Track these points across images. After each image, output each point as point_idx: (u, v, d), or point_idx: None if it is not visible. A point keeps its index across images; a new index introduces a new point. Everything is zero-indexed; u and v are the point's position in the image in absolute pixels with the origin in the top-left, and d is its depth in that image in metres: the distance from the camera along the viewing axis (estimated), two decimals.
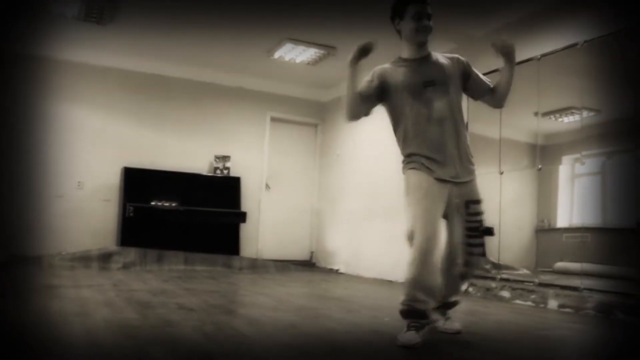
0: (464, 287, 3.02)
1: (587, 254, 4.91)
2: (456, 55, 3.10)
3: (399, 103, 2.94)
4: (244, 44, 7.01)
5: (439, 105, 2.89)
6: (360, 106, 2.97)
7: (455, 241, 2.91)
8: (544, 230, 5.48)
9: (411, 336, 2.67)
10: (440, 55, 3.05)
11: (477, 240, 2.93)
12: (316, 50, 6.96)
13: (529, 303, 4.85)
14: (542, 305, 4.73)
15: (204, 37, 6.82)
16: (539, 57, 5.24)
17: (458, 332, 3.01)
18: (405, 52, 3.02)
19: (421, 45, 2.96)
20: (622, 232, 4.59)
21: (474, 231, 2.91)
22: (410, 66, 2.96)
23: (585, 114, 5.08)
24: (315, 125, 9.21)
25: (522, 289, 5.04)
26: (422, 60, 2.97)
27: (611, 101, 4.84)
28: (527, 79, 5.33)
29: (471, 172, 2.97)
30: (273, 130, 8.83)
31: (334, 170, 8.75)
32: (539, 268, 5.11)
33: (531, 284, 4.98)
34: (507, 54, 2.95)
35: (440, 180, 2.85)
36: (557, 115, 5.42)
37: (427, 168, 2.85)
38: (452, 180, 2.87)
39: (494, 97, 3.08)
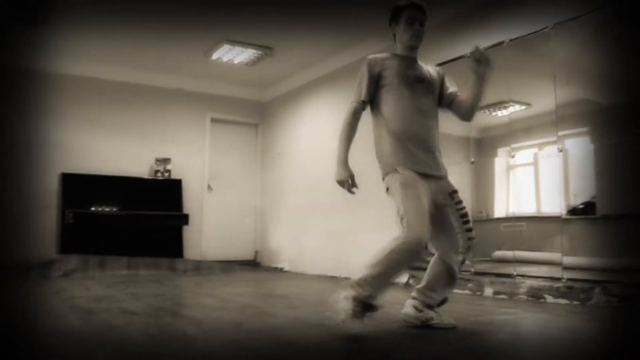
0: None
1: (522, 242, 5.14)
2: (437, 68, 3.31)
3: (391, 90, 3.05)
4: (181, 45, 6.99)
5: (426, 101, 3.09)
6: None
7: (455, 232, 3.03)
8: (483, 221, 5.70)
9: (355, 323, 2.77)
10: (424, 63, 3.22)
11: (471, 225, 3.07)
12: (254, 50, 7.01)
13: (467, 291, 5.05)
14: (479, 293, 4.93)
15: (140, 38, 6.77)
16: (468, 54, 5.43)
17: (453, 327, 3.03)
18: (399, 51, 3.17)
19: (412, 48, 3.12)
20: (552, 220, 4.83)
21: (466, 217, 3.06)
22: (404, 61, 3.11)
23: (515, 107, 5.32)
24: (256, 125, 9.24)
25: (460, 278, 5.22)
26: (413, 60, 3.14)
27: (540, 95, 5.08)
28: (459, 74, 5.52)
29: (444, 167, 3.14)
30: (213, 131, 8.82)
31: (275, 169, 8.82)
32: (479, 257, 5.31)
33: (468, 273, 5.18)
34: (484, 69, 3.12)
35: (423, 175, 2.98)
36: (491, 109, 5.64)
37: (412, 164, 2.97)
38: (433, 174, 3.02)
39: (462, 108, 3.24)
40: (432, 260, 3.11)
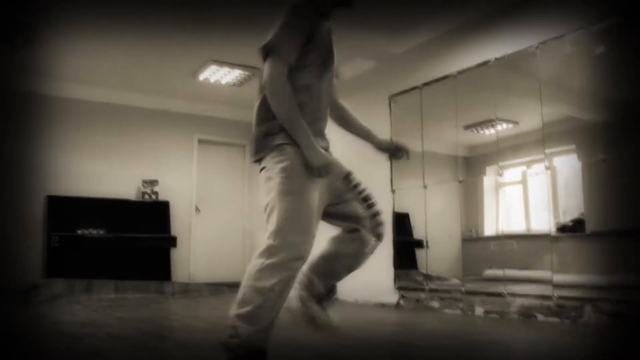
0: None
1: (512, 260, 5.13)
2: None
3: (309, 60, 2.40)
4: (168, 66, 6.97)
5: (330, 75, 2.47)
6: None
7: (361, 216, 2.47)
8: (472, 240, 5.69)
9: None
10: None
11: (377, 207, 2.52)
12: (241, 71, 7.00)
13: (457, 311, 5.02)
14: (470, 313, 4.90)
15: (127, 59, 6.74)
16: (455, 73, 5.47)
17: (338, 327, 2.50)
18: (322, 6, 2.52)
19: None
20: (542, 238, 4.82)
21: (369, 199, 2.51)
22: (326, 28, 2.49)
23: (503, 126, 5.35)
24: (244, 146, 9.21)
25: (451, 298, 5.21)
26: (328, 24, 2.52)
27: (527, 113, 5.11)
28: (446, 94, 5.57)
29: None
30: (201, 152, 8.78)
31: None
32: (469, 276, 5.29)
33: (458, 292, 5.15)
34: (397, 158, 2.78)
35: None
36: (479, 127, 5.66)
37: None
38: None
39: (339, 114, 2.76)
40: (332, 238, 2.53)
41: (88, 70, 7.11)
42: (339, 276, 2.55)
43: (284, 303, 2.21)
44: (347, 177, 2.50)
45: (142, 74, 7.27)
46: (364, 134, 2.77)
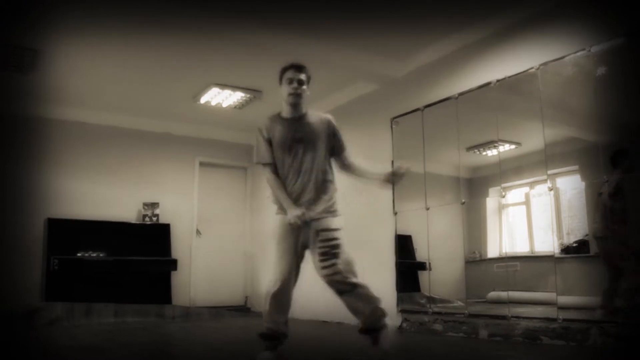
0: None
1: (516, 282, 5.08)
2: (328, 117, 3.50)
3: (276, 155, 3.40)
4: (169, 89, 6.99)
5: (306, 159, 3.35)
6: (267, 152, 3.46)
7: (316, 267, 3.36)
8: (476, 262, 5.64)
9: (266, 355, 3.30)
10: (315, 114, 3.47)
11: (328, 263, 3.28)
12: (242, 94, 7.02)
13: (461, 334, 4.95)
14: (474, 336, 4.84)
15: (128, 82, 6.76)
16: (456, 95, 5.48)
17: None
18: (284, 111, 3.46)
19: (294, 106, 3.38)
20: (546, 259, 4.78)
21: (325, 255, 3.29)
22: (283, 124, 3.40)
23: (505, 147, 5.34)
24: (245, 169, 9.21)
25: (454, 321, 5.15)
26: (296, 120, 3.40)
27: (529, 134, 5.10)
28: (447, 116, 5.56)
29: (324, 212, 3.34)
30: (202, 174, 8.77)
31: (265, 212, 8.73)
32: (472, 299, 5.24)
33: (462, 315, 5.09)
34: (396, 182, 3.48)
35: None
36: (481, 149, 5.64)
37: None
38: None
39: (345, 166, 3.54)
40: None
41: (88, 94, 7.13)
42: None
43: None
44: (317, 232, 3.29)
45: (143, 96, 7.29)
46: (369, 176, 3.52)
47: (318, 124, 3.41)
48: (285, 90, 3.38)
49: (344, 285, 3.28)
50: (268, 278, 3.51)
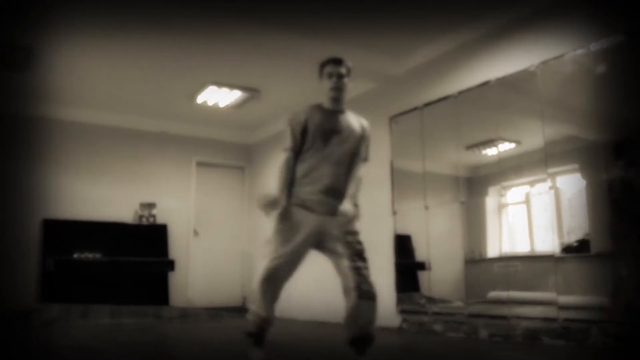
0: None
1: (516, 282, 5.05)
2: (366, 122, 3.53)
3: (309, 142, 3.34)
4: (166, 88, 6.95)
5: (339, 151, 3.33)
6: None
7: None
8: (475, 261, 5.60)
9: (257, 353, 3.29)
10: (354, 115, 3.49)
11: (362, 264, 3.24)
12: (240, 92, 6.98)
13: (461, 335, 4.92)
14: (474, 336, 4.81)
15: (124, 82, 6.73)
16: (456, 94, 5.44)
17: None
18: (325, 103, 3.43)
19: (335, 100, 3.38)
20: (546, 259, 4.75)
21: (358, 256, 3.26)
22: (325, 114, 3.38)
23: (505, 145, 5.31)
24: (242, 168, 9.17)
25: (454, 322, 5.11)
26: (336, 113, 3.40)
27: (528, 132, 5.07)
28: (447, 114, 5.53)
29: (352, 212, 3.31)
30: (199, 174, 8.72)
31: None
32: (472, 299, 5.20)
33: (462, 315, 5.06)
34: None
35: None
36: (481, 147, 5.61)
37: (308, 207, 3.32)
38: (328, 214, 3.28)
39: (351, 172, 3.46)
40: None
41: (85, 93, 7.09)
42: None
43: None
44: (346, 233, 3.27)
45: (139, 96, 7.25)
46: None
47: (356, 123, 3.45)
48: (326, 84, 3.39)
49: (370, 293, 3.21)
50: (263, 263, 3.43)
